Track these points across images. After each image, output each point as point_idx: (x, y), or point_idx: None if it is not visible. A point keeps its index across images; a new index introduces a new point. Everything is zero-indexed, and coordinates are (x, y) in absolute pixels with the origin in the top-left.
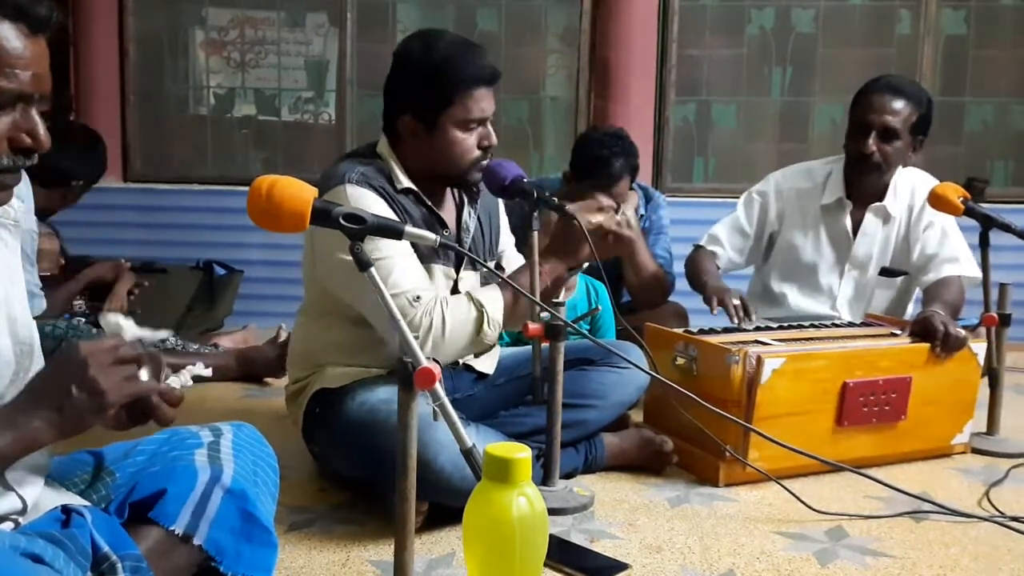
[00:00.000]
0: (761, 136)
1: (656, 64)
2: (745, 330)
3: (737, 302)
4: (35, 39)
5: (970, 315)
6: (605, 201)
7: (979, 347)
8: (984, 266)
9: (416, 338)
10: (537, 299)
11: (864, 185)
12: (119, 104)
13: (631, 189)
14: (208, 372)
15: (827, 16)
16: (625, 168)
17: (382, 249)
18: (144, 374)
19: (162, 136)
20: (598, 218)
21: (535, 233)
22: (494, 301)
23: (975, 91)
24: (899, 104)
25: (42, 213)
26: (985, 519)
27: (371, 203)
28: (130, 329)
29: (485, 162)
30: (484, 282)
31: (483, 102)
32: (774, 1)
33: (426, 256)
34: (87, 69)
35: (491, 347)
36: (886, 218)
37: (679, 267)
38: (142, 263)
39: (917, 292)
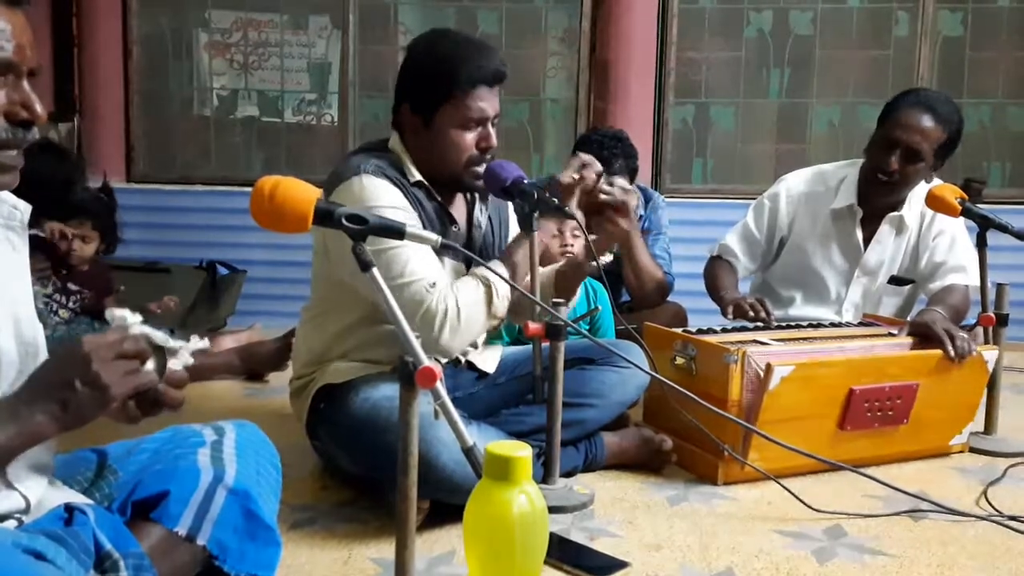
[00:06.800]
0: (759, 137)
1: (655, 66)
2: (745, 329)
3: (752, 301)
4: (13, 11)
5: (969, 315)
6: (586, 157)
7: (990, 354)
8: (981, 266)
9: (435, 324)
10: (538, 299)
11: (877, 198)
12: (123, 105)
13: None
14: (205, 343)
15: (825, 18)
16: (624, 169)
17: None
18: (149, 366)
19: (166, 137)
20: (572, 175)
21: (535, 234)
22: (497, 275)
23: (972, 92)
24: (929, 124)
25: None
26: (983, 518)
27: (388, 193)
28: (136, 324)
29: (482, 165)
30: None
31: (482, 102)
32: (772, 3)
33: (438, 250)
34: (91, 70)
35: (501, 323)
36: (900, 228)
37: (678, 267)
38: (145, 263)
39: (922, 297)
